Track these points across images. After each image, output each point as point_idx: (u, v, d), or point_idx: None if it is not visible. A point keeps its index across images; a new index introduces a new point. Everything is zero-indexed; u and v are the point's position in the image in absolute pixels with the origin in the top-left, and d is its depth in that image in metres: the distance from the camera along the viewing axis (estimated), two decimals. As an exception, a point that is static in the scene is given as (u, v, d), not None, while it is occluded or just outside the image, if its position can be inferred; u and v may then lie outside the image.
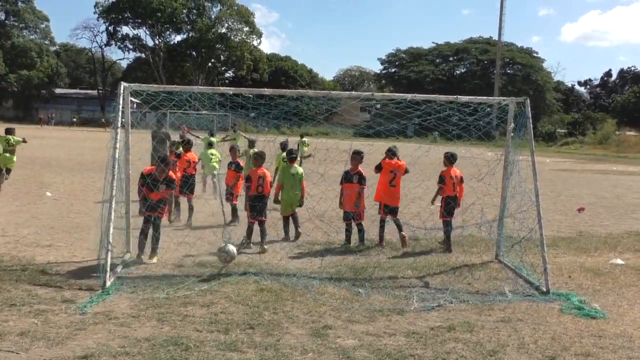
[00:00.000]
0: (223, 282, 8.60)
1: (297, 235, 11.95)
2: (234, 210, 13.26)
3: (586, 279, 9.77)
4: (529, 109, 9.75)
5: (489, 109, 10.29)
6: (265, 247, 10.93)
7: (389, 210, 11.54)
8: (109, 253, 8.32)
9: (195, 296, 7.90)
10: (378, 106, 10.26)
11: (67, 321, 6.80)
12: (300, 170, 12.00)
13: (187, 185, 12.96)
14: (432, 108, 10.00)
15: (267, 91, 9.92)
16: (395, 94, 9.69)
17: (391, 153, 11.69)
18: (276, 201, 12.05)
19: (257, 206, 10.91)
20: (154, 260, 9.84)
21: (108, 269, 8.25)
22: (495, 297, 8.44)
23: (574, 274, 10.00)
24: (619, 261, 11.05)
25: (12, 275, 8.53)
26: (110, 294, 7.85)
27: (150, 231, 9.94)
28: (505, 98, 10.34)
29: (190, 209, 13.14)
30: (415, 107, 10.11)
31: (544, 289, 8.77)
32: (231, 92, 10.05)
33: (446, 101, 10.13)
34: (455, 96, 10.06)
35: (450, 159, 11.57)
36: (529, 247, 10.17)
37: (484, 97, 10.26)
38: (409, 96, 9.81)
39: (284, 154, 12.88)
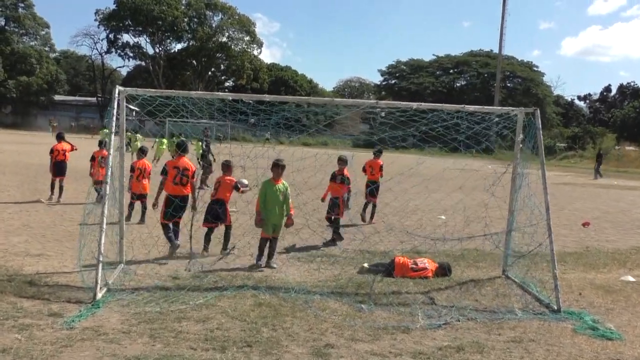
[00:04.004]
0: (219, 295, 8.20)
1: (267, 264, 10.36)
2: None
3: (597, 296, 9.39)
4: (539, 120, 9.40)
5: (497, 119, 9.92)
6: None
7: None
8: (100, 264, 7.91)
9: (190, 310, 7.50)
10: (383, 114, 9.87)
11: (53, 337, 6.39)
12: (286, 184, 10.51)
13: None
14: (439, 117, 9.63)
15: (267, 97, 9.58)
16: (401, 102, 9.33)
17: (342, 162, 12.68)
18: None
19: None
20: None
21: (99, 281, 7.83)
22: (504, 315, 8.05)
23: (584, 291, 9.62)
24: (630, 278, 10.68)
25: (-2, 286, 8.13)
26: (100, 307, 7.44)
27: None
28: (514, 108, 10.00)
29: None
30: (420, 116, 9.78)
31: (555, 307, 8.39)
32: (230, 98, 9.72)
33: (453, 110, 9.77)
34: (462, 105, 9.71)
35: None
36: (536, 262, 9.83)
37: (492, 107, 9.92)
38: (415, 105, 9.47)
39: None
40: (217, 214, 10.94)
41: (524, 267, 9.88)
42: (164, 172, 10.85)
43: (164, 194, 10.82)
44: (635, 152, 73.16)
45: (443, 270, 10.17)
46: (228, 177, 11.22)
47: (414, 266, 10.00)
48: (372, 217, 15.89)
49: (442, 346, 6.77)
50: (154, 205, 10.97)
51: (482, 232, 13.48)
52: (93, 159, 16.67)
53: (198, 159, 27.19)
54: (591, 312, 8.42)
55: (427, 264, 10.14)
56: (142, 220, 13.95)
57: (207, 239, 11.09)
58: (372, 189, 15.52)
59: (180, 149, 11.09)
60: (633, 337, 7.43)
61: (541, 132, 9.36)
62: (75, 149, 17.96)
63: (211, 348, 6.29)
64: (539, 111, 9.49)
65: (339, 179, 12.73)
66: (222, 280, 9.11)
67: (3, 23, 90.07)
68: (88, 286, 8.05)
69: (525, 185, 9.66)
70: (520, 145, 10.00)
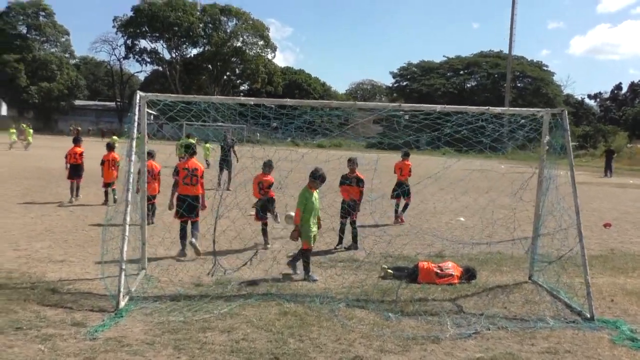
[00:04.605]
0: (244, 304, 7.86)
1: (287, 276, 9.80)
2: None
3: (631, 303, 8.94)
4: (567, 120, 9.02)
5: (522, 120, 9.54)
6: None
7: None
8: (123, 273, 7.61)
9: (215, 320, 7.18)
10: (407, 117, 9.52)
11: (76, 348, 6.12)
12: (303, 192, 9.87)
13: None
14: (464, 119, 9.28)
15: (289, 101, 9.28)
16: (425, 105, 8.97)
17: (352, 163, 12.28)
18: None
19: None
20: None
21: (121, 289, 7.54)
22: (535, 324, 7.66)
23: (616, 298, 9.19)
24: (661, 283, 10.23)
25: (21, 294, 7.86)
26: (124, 316, 7.15)
27: None
28: (540, 110, 9.60)
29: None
30: (444, 119, 9.44)
31: (588, 315, 7.98)
32: (252, 103, 9.40)
33: (477, 112, 9.41)
34: (487, 107, 9.35)
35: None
36: (563, 267, 9.42)
37: (519, 109, 9.54)
38: (439, 107, 9.12)
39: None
40: (268, 210, 11.61)
41: (552, 273, 9.46)
42: (176, 172, 11.10)
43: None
44: (647, 149, 72.09)
45: (468, 274, 9.79)
46: (268, 177, 11.76)
47: (439, 271, 9.61)
48: (404, 210, 16.04)
49: (474, 358, 6.42)
50: (171, 205, 11.10)
51: (503, 234, 13.13)
52: (103, 162, 16.99)
53: (206, 160, 27.19)
54: (627, 320, 8.00)
55: (452, 269, 9.74)
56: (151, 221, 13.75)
57: (265, 233, 11.82)
58: (406, 190, 15.64)
59: (189, 151, 11.37)
60: (673, 348, 7.03)
61: (569, 133, 8.99)
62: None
63: (238, 360, 6.00)
64: (566, 112, 9.11)
65: (353, 181, 12.13)
66: (246, 287, 8.81)
67: (25, 31, 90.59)
68: (111, 294, 7.78)
69: (553, 188, 9.25)
70: (547, 147, 9.62)
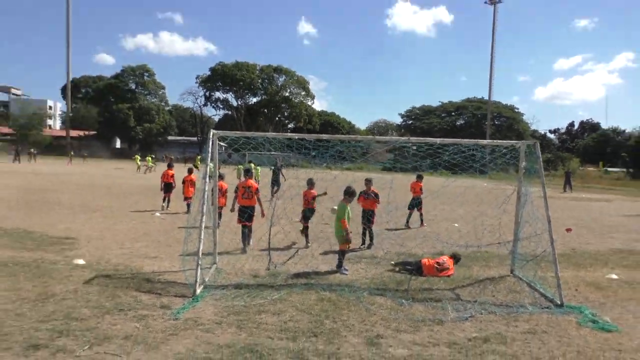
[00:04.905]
0: (290, 292, 7.58)
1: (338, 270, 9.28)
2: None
3: (590, 292, 8.41)
4: (539, 150, 8.57)
5: (505, 150, 9.10)
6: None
7: None
8: (199, 266, 7.43)
9: (268, 304, 6.91)
10: (414, 147, 9.18)
11: (163, 326, 5.92)
12: (342, 206, 9.34)
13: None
14: (458, 149, 8.91)
15: (324, 136, 9.02)
16: (429, 139, 8.63)
17: (369, 182, 11.91)
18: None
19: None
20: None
21: (198, 279, 7.35)
22: (518, 309, 7.19)
23: (579, 288, 8.65)
24: (614, 276, 9.62)
25: (124, 282, 7.74)
26: (199, 301, 6.95)
27: None
28: (518, 142, 9.17)
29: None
30: (431, 149, 9.09)
31: (558, 302, 7.48)
32: (296, 137, 9.19)
33: (471, 144, 9.01)
34: (476, 140, 8.96)
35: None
36: (537, 263, 8.93)
37: (501, 141, 9.11)
38: (439, 140, 8.76)
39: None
40: (308, 217, 11.51)
41: (529, 268, 8.97)
42: (236, 190, 11.12)
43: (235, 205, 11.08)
44: (595, 171, 71.46)
45: (456, 259, 9.62)
46: (313, 191, 11.61)
47: (437, 266, 9.19)
48: (422, 223, 15.89)
49: (471, 337, 6.02)
50: (232, 210, 11.11)
51: (489, 237, 12.60)
52: (184, 182, 17.15)
53: (256, 178, 27.18)
54: (588, 306, 7.49)
55: (447, 262, 9.32)
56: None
57: (305, 233, 11.56)
58: (417, 203, 15.85)
59: (247, 173, 11.42)
60: (628, 329, 6.51)
61: (541, 159, 8.54)
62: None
63: (285, 337, 5.72)
64: (538, 144, 8.67)
65: (371, 195, 11.75)
66: (291, 278, 8.54)
67: (134, 87, 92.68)
68: (190, 283, 7.60)
69: (529, 202, 8.79)
70: (523, 171, 9.17)
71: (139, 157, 47.75)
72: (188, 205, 16.97)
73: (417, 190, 15.97)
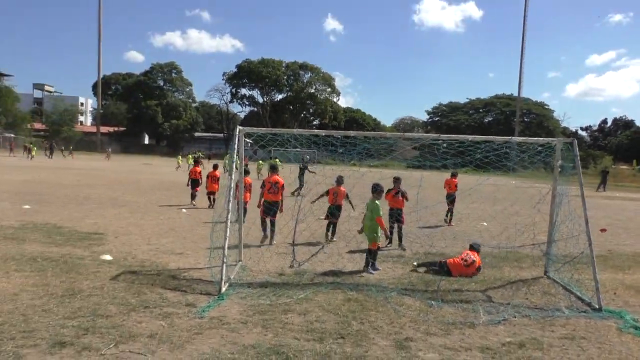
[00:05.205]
0: (316, 291, 7.40)
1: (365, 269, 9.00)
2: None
3: (630, 296, 8.01)
4: (577, 148, 8.18)
5: (540, 148, 8.73)
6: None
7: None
8: (225, 265, 7.32)
9: (294, 304, 6.75)
10: (445, 145, 8.88)
11: (188, 325, 5.83)
12: (375, 204, 8.96)
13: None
14: (490, 147, 8.59)
15: (352, 133, 8.82)
16: (460, 136, 8.31)
17: (398, 180, 11.51)
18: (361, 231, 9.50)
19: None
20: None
21: (223, 277, 7.25)
22: (553, 313, 6.88)
23: (618, 291, 8.25)
24: (656, 279, 9.15)
25: (150, 279, 7.69)
26: (224, 299, 6.84)
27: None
28: (554, 139, 8.78)
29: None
30: (462, 146, 8.77)
31: (597, 306, 7.12)
32: (323, 134, 9.01)
33: (502, 141, 8.67)
34: (510, 137, 8.61)
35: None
36: (572, 264, 8.53)
37: (536, 139, 8.74)
38: (470, 137, 8.45)
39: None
40: (335, 214, 11.66)
41: (565, 270, 8.58)
42: (263, 185, 11.28)
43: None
44: (628, 170, 69.36)
45: (476, 249, 9.27)
46: (342, 188, 11.71)
47: (464, 262, 8.89)
48: (450, 220, 15.70)
49: (505, 342, 5.74)
50: (259, 205, 11.17)
51: (520, 237, 12.19)
52: (208, 177, 17.72)
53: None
54: (629, 310, 7.10)
55: (470, 255, 8.98)
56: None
57: (328, 229, 11.75)
58: (451, 199, 15.60)
59: (273, 169, 11.41)
60: (674, 337, 6.13)
61: (579, 158, 8.15)
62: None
63: (312, 339, 5.54)
64: (576, 141, 8.26)
65: (400, 194, 11.33)
66: (317, 277, 8.38)
67: (162, 84, 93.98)
68: (215, 280, 7.51)
69: (566, 203, 8.41)
70: (559, 170, 8.79)
71: (190, 156, 44.66)
72: (213, 200, 17.15)
73: (453, 187, 15.77)
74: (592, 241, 7.65)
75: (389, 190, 11.72)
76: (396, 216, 11.25)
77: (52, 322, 5.63)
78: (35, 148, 54.57)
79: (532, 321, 6.56)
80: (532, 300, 7.56)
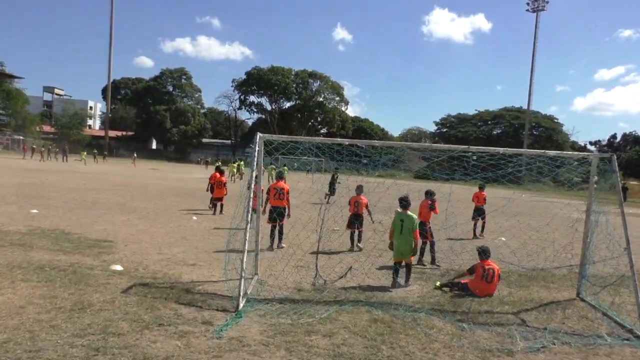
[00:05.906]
0: (339, 310, 6.94)
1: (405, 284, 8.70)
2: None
3: (673, 323, 7.46)
4: (616, 163, 7.71)
5: (576, 162, 8.27)
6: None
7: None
8: (242, 279, 6.88)
9: (317, 324, 6.29)
10: (475, 158, 8.45)
11: (206, 346, 5.38)
12: (413, 217, 8.64)
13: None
14: (522, 161, 8.13)
15: (376, 143, 8.41)
16: (490, 148, 7.86)
17: (429, 194, 11.13)
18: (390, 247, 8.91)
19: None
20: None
21: (241, 294, 6.81)
22: (595, 340, 6.40)
23: (659, 317, 7.71)
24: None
25: (163, 292, 7.26)
26: (242, 317, 6.40)
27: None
28: (589, 154, 8.35)
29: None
30: (493, 159, 8.32)
31: (639, 333, 6.63)
32: (347, 143, 8.60)
33: (535, 155, 8.23)
34: (544, 151, 8.16)
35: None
36: (615, 288, 8.04)
37: (571, 152, 8.29)
38: (501, 150, 8.04)
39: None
40: (355, 223, 11.64)
41: (604, 293, 8.07)
42: (268, 192, 11.34)
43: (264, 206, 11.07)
44: (638, 186, 68.14)
45: (489, 255, 8.56)
46: (363, 197, 11.84)
47: (486, 280, 8.28)
48: (482, 230, 15.68)
49: (550, 374, 5.27)
50: (263, 212, 10.90)
51: (540, 253, 11.67)
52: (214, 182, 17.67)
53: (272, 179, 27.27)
54: (676, 340, 6.61)
55: (488, 266, 8.37)
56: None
57: (352, 238, 11.79)
58: (481, 213, 15.32)
59: (279, 176, 11.59)
60: None
61: (618, 175, 7.68)
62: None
63: (340, 365, 5.09)
64: (615, 156, 7.80)
65: (429, 207, 10.82)
66: (338, 292, 7.92)
67: (171, 89, 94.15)
68: (232, 295, 7.07)
69: (604, 221, 7.93)
70: (595, 186, 8.32)
71: (234, 165, 39.70)
72: (221, 206, 16.79)
73: (481, 200, 15.51)
74: (610, 256, 7.17)
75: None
76: (421, 230, 10.77)
77: (60, 340, 5.21)
78: (85, 153, 55.55)
79: (573, 349, 6.09)
80: (570, 325, 7.08)
